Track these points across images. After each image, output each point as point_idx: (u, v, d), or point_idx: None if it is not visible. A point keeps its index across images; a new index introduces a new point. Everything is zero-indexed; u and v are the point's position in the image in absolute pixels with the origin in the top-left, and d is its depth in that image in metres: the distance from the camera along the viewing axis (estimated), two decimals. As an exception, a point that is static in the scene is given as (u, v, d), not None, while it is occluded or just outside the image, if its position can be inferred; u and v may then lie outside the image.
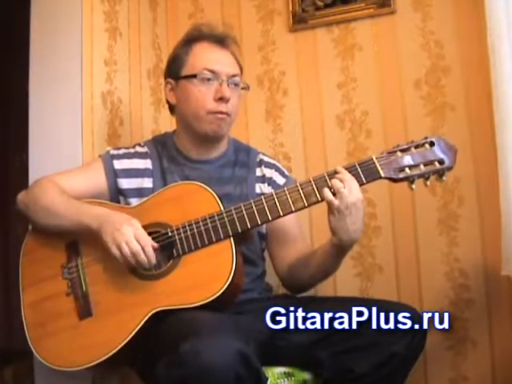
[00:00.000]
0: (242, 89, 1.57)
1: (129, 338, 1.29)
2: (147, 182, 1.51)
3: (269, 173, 1.59)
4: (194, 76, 1.50)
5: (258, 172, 1.59)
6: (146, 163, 1.54)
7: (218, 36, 1.55)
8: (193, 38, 1.56)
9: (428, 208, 1.94)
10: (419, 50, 2.01)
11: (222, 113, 1.49)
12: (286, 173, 1.64)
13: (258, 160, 1.61)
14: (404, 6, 2.03)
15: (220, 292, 1.27)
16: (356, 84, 2.08)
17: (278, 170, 1.62)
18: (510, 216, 1.65)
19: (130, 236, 1.29)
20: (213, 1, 2.27)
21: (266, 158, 1.63)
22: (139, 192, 1.49)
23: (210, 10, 2.27)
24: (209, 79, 1.50)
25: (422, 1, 2.01)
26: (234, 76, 1.52)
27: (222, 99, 1.48)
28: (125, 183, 1.51)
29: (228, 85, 1.50)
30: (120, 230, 1.30)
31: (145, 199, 1.45)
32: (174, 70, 1.55)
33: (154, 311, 1.29)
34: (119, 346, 1.29)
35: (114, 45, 1.90)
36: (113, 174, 1.51)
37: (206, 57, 1.52)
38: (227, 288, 1.27)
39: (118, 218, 1.34)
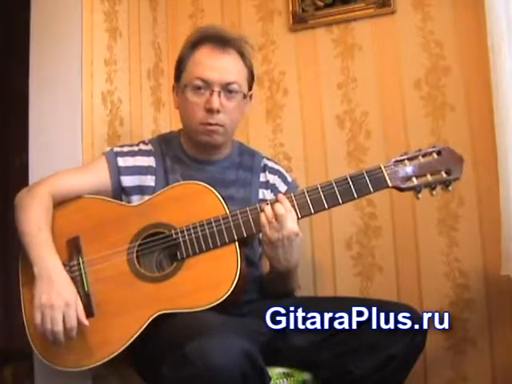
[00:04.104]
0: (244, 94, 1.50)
1: (131, 340, 1.28)
2: (149, 180, 1.50)
3: (272, 179, 1.59)
4: (186, 86, 1.47)
5: (262, 177, 1.58)
6: (150, 161, 1.53)
7: (221, 38, 1.49)
8: (197, 41, 1.50)
9: (428, 208, 1.94)
10: (419, 50, 2.00)
11: (210, 124, 1.46)
12: (289, 179, 1.62)
13: (262, 165, 1.60)
14: (404, 5, 2.03)
15: (225, 296, 1.27)
16: (356, 84, 2.07)
17: (281, 176, 1.61)
18: (510, 216, 1.65)
19: (60, 313, 1.26)
20: (213, 1, 2.27)
21: (270, 164, 1.62)
22: (141, 189, 1.49)
23: (210, 10, 2.27)
24: (199, 88, 1.45)
25: (422, 1, 2.01)
26: (229, 84, 1.46)
27: (210, 110, 1.44)
28: (128, 181, 1.50)
29: (220, 94, 1.45)
30: (54, 300, 1.26)
31: (148, 198, 1.43)
32: (178, 75, 1.53)
33: (158, 313, 1.28)
34: (121, 349, 1.28)
35: (114, 45, 1.90)
36: (116, 172, 1.50)
37: (202, 64, 1.46)
38: (231, 292, 1.27)
39: (61, 284, 1.29)
